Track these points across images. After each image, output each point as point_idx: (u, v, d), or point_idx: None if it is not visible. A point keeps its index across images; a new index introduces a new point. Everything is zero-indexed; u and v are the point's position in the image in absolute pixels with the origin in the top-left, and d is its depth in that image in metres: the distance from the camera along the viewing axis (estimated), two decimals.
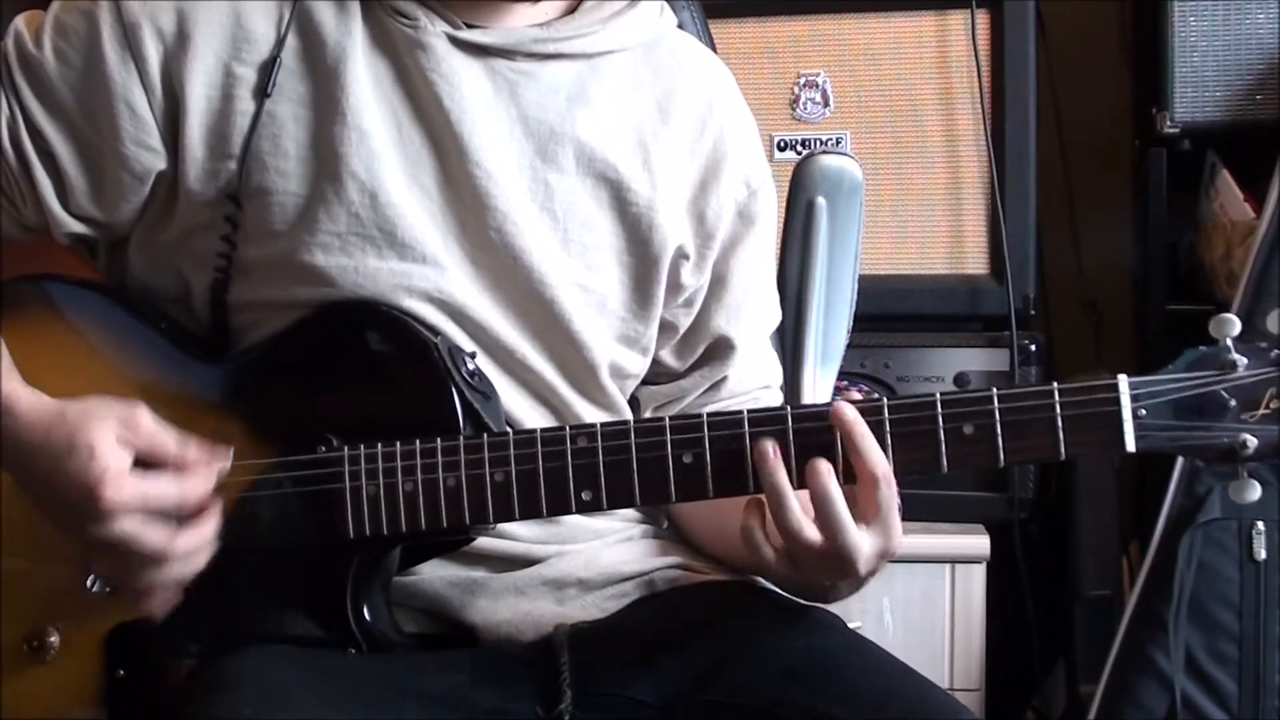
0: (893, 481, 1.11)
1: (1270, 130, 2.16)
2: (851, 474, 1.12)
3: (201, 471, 1.15)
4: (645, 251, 1.31)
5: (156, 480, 1.13)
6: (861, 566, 1.12)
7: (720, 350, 1.39)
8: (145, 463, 1.13)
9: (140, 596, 1.16)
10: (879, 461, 1.11)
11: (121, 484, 1.11)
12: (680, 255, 1.33)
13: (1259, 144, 2.16)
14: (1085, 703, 2.14)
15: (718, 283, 1.37)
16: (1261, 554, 2.02)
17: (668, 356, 1.39)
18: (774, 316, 1.45)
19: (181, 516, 1.14)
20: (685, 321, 1.38)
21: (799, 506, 1.12)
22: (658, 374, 1.40)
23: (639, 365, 1.36)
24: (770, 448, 1.12)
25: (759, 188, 1.37)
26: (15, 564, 1.21)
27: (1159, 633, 2.03)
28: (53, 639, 1.21)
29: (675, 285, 1.34)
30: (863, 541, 1.11)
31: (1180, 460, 2.05)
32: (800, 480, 1.12)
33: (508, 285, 1.27)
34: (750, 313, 1.39)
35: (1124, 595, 2.20)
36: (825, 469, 1.11)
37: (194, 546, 1.15)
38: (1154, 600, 2.05)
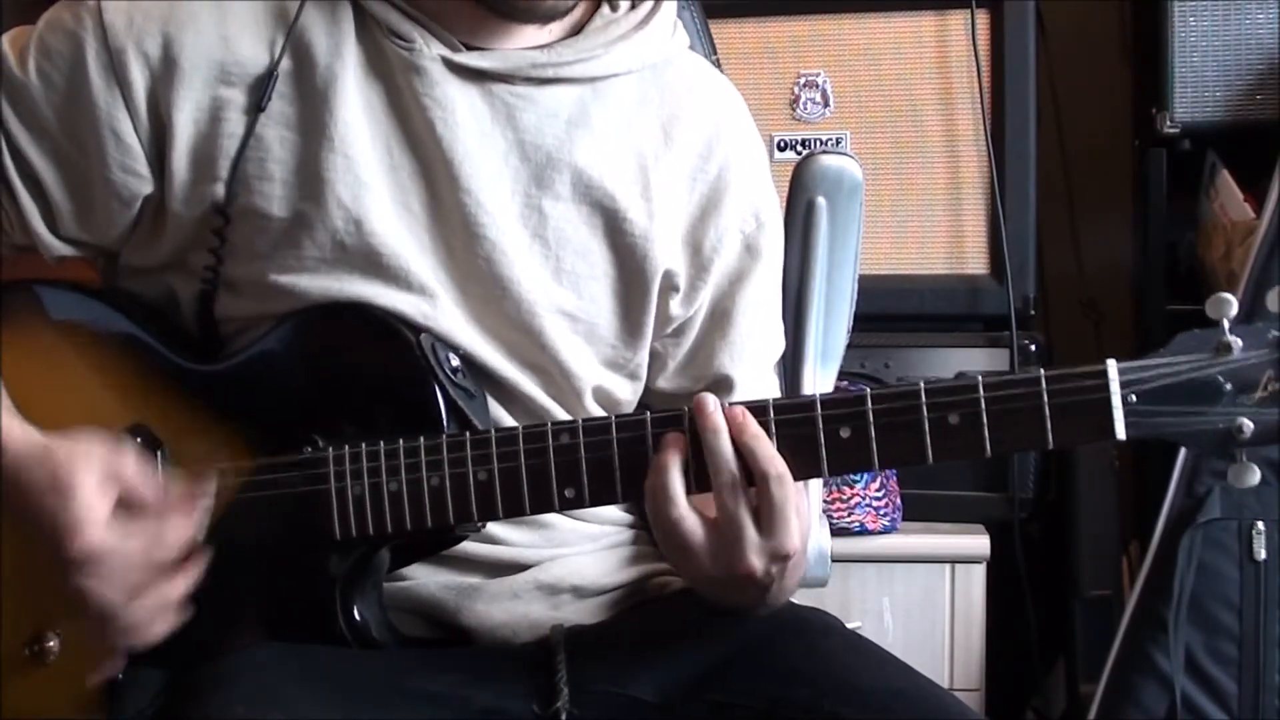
0: (787, 480, 1.09)
1: (1270, 130, 2.16)
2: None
3: (178, 525, 1.14)
4: (638, 280, 1.28)
5: (128, 538, 1.12)
6: (755, 563, 1.10)
7: (719, 389, 1.33)
8: (127, 504, 1.13)
9: (93, 656, 1.15)
10: (772, 460, 1.09)
11: (93, 534, 1.11)
12: (670, 286, 1.30)
13: (1259, 144, 2.16)
14: (1085, 703, 2.14)
15: (722, 317, 1.33)
16: (1261, 554, 2.02)
17: (667, 387, 1.35)
18: (777, 348, 1.40)
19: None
20: (675, 353, 1.34)
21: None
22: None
23: (629, 390, 1.33)
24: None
25: (767, 220, 1.33)
26: (15, 569, 1.21)
27: (1159, 633, 2.03)
28: (52, 643, 1.21)
29: (664, 317, 1.31)
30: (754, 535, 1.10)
31: (1180, 460, 2.05)
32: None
33: (495, 313, 1.25)
34: (754, 349, 1.35)
35: (1124, 595, 2.20)
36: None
37: (149, 614, 1.14)
38: (1154, 600, 2.05)
